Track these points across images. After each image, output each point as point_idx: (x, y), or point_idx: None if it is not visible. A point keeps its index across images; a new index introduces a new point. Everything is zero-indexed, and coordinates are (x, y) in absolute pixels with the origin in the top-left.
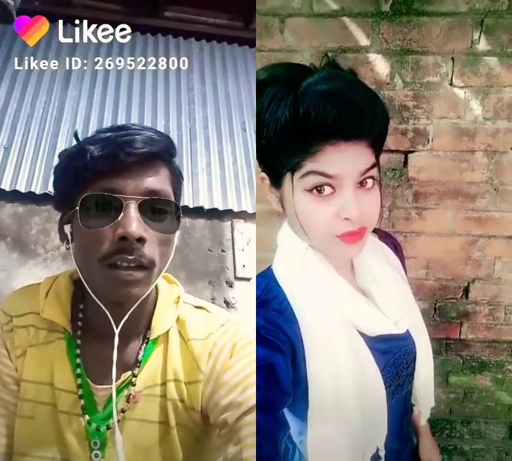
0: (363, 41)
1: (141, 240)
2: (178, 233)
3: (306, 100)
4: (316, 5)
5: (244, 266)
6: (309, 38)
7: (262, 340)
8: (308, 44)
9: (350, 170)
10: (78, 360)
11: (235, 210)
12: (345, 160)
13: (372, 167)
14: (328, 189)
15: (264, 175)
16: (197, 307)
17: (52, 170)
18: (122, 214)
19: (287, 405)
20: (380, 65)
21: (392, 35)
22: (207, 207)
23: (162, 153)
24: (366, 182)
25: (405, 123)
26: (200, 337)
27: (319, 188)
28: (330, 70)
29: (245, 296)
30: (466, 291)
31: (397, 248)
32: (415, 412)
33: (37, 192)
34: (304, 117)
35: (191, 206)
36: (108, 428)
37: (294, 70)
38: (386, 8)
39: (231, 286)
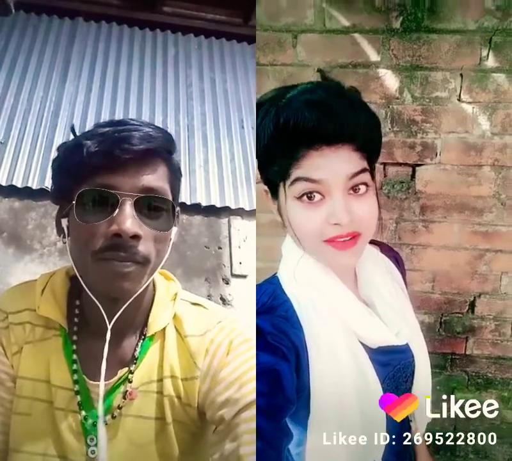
0: (374, 57)
1: (135, 237)
2: (175, 229)
3: (286, 110)
4: (328, 22)
5: (240, 263)
6: (321, 53)
7: (268, 346)
8: (319, 59)
9: (336, 175)
10: (74, 356)
11: (233, 207)
12: (329, 165)
13: (361, 171)
14: (317, 196)
15: (266, 188)
16: (194, 304)
17: (50, 163)
18: (117, 210)
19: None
20: (390, 80)
21: (402, 51)
22: (204, 204)
23: (160, 150)
24: (359, 188)
25: (413, 137)
26: (197, 333)
27: (308, 195)
28: (317, 82)
29: (241, 293)
30: (472, 305)
31: (398, 262)
32: (412, 428)
33: (34, 187)
34: (285, 125)
35: (188, 203)
36: (105, 424)
37: (283, 90)
38: (397, 25)
39: (227, 283)
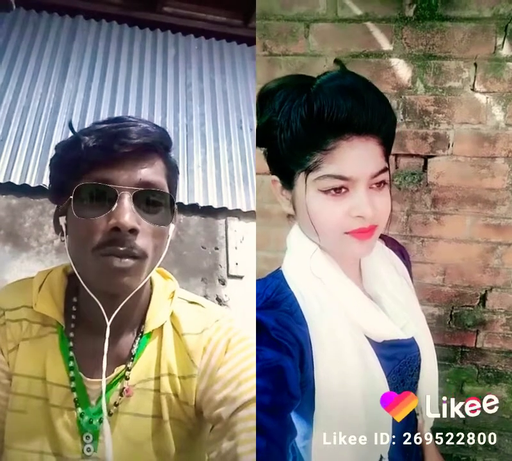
0: (386, 46)
1: (133, 231)
2: (173, 226)
3: (320, 97)
4: (340, 10)
5: (237, 263)
6: (333, 42)
7: (272, 342)
8: (331, 49)
9: (363, 171)
10: (71, 353)
11: (230, 208)
12: (358, 159)
13: (383, 171)
14: (342, 189)
15: (275, 177)
16: (191, 302)
17: (48, 162)
18: (116, 204)
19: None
20: (402, 70)
21: (415, 40)
22: (201, 204)
23: (157, 145)
24: (379, 184)
25: (425, 128)
26: (195, 331)
27: (336, 189)
28: (342, 69)
29: (237, 293)
30: (484, 299)
31: (404, 255)
32: (419, 422)
33: (31, 185)
34: (319, 113)
35: (185, 203)
36: (101, 421)
37: (303, 78)
38: (410, 13)
39: (223, 284)
